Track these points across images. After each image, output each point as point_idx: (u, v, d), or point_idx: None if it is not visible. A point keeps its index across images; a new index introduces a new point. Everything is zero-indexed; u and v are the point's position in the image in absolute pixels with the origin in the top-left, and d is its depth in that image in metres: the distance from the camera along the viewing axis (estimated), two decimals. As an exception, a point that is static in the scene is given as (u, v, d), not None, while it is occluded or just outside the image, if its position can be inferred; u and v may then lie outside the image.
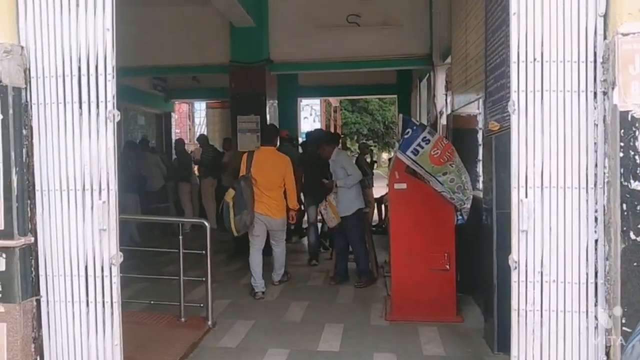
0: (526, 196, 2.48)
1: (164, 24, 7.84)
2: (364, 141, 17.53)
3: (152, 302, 4.92)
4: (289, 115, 11.09)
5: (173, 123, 13.08)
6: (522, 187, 2.48)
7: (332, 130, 21.20)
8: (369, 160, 10.46)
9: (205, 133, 14.19)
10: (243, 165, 5.55)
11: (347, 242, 6.08)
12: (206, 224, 4.65)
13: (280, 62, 7.82)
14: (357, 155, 10.82)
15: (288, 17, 7.74)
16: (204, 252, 4.57)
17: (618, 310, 2.29)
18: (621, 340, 2.26)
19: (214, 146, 10.31)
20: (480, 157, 5.50)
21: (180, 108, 15.82)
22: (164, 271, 5.87)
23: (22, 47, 2.62)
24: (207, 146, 9.90)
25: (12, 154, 2.56)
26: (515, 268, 2.49)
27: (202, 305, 4.68)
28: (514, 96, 2.53)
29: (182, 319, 4.62)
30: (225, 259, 7.42)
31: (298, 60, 7.95)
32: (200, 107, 16.73)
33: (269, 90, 7.85)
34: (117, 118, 2.59)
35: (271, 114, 7.94)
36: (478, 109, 5.48)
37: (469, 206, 4.63)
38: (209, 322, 4.54)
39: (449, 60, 6.48)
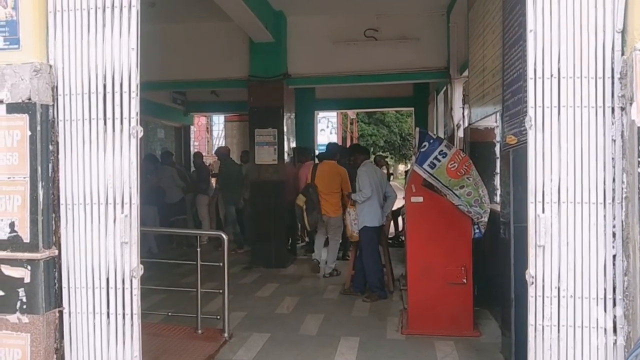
0: (543, 211, 2.47)
1: (185, 40, 8.01)
2: (380, 153, 17.50)
3: (169, 313, 4.98)
4: (306, 128, 11.17)
5: (192, 136, 13.25)
6: (539, 202, 2.48)
7: (348, 142, 21.26)
8: (385, 172, 10.46)
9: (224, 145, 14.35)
10: (309, 175, 7.09)
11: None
12: (224, 236, 4.71)
13: (298, 76, 7.90)
14: None
15: (306, 32, 7.83)
16: (220, 264, 4.63)
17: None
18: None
19: (232, 159, 10.43)
20: (497, 170, 5.48)
21: (199, 121, 16.04)
22: (181, 283, 5.94)
23: (51, 66, 2.72)
24: (226, 159, 10.01)
25: (39, 168, 2.65)
26: (532, 283, 2.48)
27: (218, 317, 4.72)
28: (530, 112, 2.54)
29: (199, 331, 4.67)
30: (241, 271, 7.47)
31: (315, 74, 8.01)
32: (219, 120, 16.94)
33: (287, 104, 7.93)
34: (140, 134, 2.67)
35: (288, 127, 8.02)
36: (495, 122, 5.49)
37: (486, 219, 4.62)
38: (225, 334, 4.58)
39: (466, 73, 6.48)
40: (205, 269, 4.85)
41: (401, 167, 23.17)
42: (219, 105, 12.52)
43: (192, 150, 12.57)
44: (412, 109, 12.68)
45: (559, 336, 2.45)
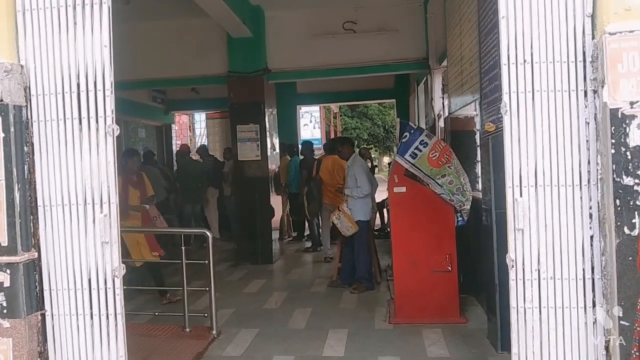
0: (521, 195, 2.51)
1: (161, 37, 7.90)
2: (364, 146, 17.53)
3: (156, 313, 4.96)
4: (289, 123, 11.15)
5: (174, 134, 13.14)
6: (516, 186, 2.52)
7: (332, 136, 21.26)
8: (369, 165, 10.52)
9: (206, 143, 14.26)
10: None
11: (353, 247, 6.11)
12: (208, 233, 4.69)
13: (278, 70, 7.87)
14: None
15: (284, 26, 7.79)
16: (206, 262, 4.61)
17: (617, 310, 2.32)
18: (620, 340, 2.29)
19: (213, 156, 10.41)
20: (478, 158, 5.53)
21: (180, 119, 15.90)
22: (167, 283, 5.90)
23: (22, 66, 2.67)
24: (207, 156, 9.98)
25: (14, 170, 2.60)
26: (513, 266, 2.51)
27: (206, 315, 4.71)
28: (505, 97, 2.57)
29: (187, 329, 4.65)
30: (227, 268, 7.45)
31: (296, 69, 7.99)
32: (200, 118, 16.80)
33: (268, 99, 7.90)
34: (117, 132, 2.63)
35: (270, 123, 7.99)
36: (475, 110, 5.53)
37: (468, 207, 4.66)
38: (214, 332, 4.57)
39: (445, 63, 6.52)
40: (192, 268, 4.83)
41: (385, 159, 23.27)
42: (200, 102, 12.40)
43: (175, 149, 12.46)
44: (394, 100, 12.73)
45: (540, 317, 2.49)
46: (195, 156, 10.66)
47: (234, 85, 7.70)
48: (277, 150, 8.60)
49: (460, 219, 4.71)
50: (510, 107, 2.55)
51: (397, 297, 4.81)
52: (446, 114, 6.40)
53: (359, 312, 5.17)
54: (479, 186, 5.37)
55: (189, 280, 4.75)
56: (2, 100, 2.59)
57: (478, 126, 5.56)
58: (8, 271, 2.61)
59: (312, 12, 7.71)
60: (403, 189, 4.77)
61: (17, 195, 2.61)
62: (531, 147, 2.52)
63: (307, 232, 9.44)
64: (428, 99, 7.79)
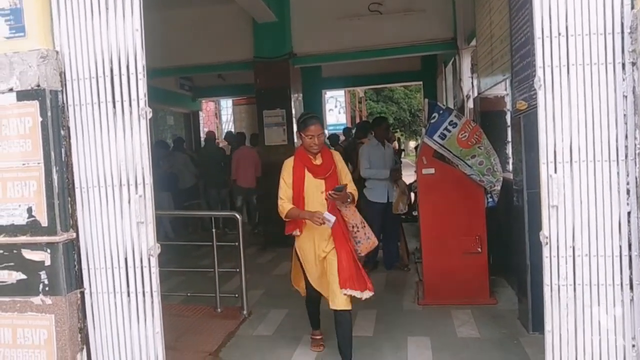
0: (555, 171, 2.46)
1: (187, 25, 7.96)
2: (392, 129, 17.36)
3: (189, 294, 5.07)
4: (314, 108, 11.12)
5: (201, 121, 13.29)
6: (550, 162, 2.46)
7: (357, 121, 21.14)
8: (396, 148, 10.44)
9: (233, 130, 14.38)
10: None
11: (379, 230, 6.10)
12: (238, 216, 4.75)
13: (304, 55, 7.85)
14: None
15: (309, 9, 7.73)
16: (236, 244, 4.68)
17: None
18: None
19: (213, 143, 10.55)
20: (509, 138, 5.44)
21: (207, 106, 16.05)
22: (198, 265, 6.02)
23: (57, 52, 2.72)
24: (234, 143, 10.08)
25: (52, 154, 2.68)
26: (547, 243, 2.47)
27: (236, 295, 4.80)
28: (539, 72, 2.51)
29: (218, 310, 4.76)
30: (256, 251, 7.55)
31: (321, 52, 7.94)
32: (227, 104, 16.93)
33: (294, 84, 7.90)
34: (150, 115, 2.68)
35: (296, 108, 8.00)
36: (505, 90, 5.43)
37: (499, 188, 4.60)
38: (244, 312, 4.66)
39: (473, 43, 6.39)
40: (221, 251, 4.91)
41: (412, 144, 23.03)
42: (226, 89, 12.51)
43: (202, 135, 12.61)
44: (421, 82, 12.56)
45: (575, 295, 2.45)
46: (223, 143, 10.79)
47: (260, 70, 7.73)
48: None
49: (490, 200, 4.65)
50: (545, 81, 2.48)
51: (426, 279, 4.80)
52: (475, 94, 6.29)
53: (387, 294, 5.19)
54: (509, 167, 5.30)
55: (219, 263, 4.83)
56: (39, 86, 2.66)
57: (508, 106, 5.46)
58: (48, 250, 2.69)
59: (337, -6, 7.64)
60: (432, 171, 4.73)
61: (55, 177, 2.69)
62: (566, 122, 2.45)
63: None
64: (456, 79, 7.66)
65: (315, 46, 7.83)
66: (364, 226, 3.64)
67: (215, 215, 5.51)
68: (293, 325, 4.42)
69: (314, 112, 3.61)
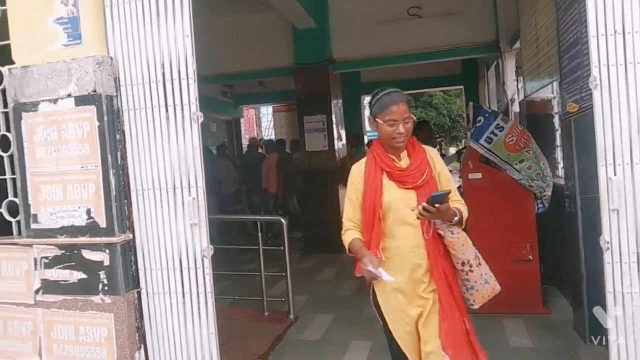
0: (615, 174, 2.37)
1: (228, 33, 8.10)
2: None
3: (236, 298, 5.13)
4: (353, 114, 11.13)
5: (242, 128, 13.53)
6: (610, 165, 2.38)
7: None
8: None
9: (273, 136, 14.55)
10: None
11: None
12: (283, 221, 4.79)
13: (343, 60, 7.86)
14: None
15: (348, 15, 7.75)
16: (282, 248, 4.72)
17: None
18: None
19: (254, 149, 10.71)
20: (557, 142, 5.29)
21: (248, 113, 16.31)
22: (244, 269, 6.09)
23: (112, 58, 2.83)
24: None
25: (109, 157, 2.77)
26: (608, 249, 2.38)
27: (283, 299, 4.83)
28: (595, 71, 2.43)
29: (266, 314, 4.80)
30: (298, 257, 7.58)
31: (360, 58, 7.93)
32: (268, 111, 17.16)
33: (333, 90, 7.92)
34: (201, 119, 2.74)
35: (336, 113, 8.03)
36: (552, 93, 5.29)
37: (549, 194, 4.45)
38: (291, 316, 4.68)
39: (517, 45, 6.27)
40: (265, 256, 4.94)
41: (452, 150, 22.65)
42: (266, 96, 12.68)
43: (244, 142, 12.83)
44: (462, 87, 12.38)
45: (640, 302, 2.35)
46: (261, 149, 10.96)
47: (300, 76, 7.78)
48: (344, 141, 8.62)
49: (540, 206, 4.50)
50: (601, 81, 2.41)
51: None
52: (521, 97, 6.15)
53: (435, 302, 5.09)
54: (559, 172, 5.14)
55: (265, 267, 4.88)
56: (95, 91, 2.77)
57: (556, 109, 5.32)
58: (107, 251, 2.79)
59: (376, 0, 7.63)
60: (479, 176, 4.63)
61: (112, 180, 2.78)
62: (625, 122, 2.37)
63: None
64: (500, 83, 7.51)
65: (354, 52, 7.83)
66: (480, 264, 2.50)
67: (260, 219, 5.57)
68: (340, 330, 4.41)
69: (393, 88, 2.38)
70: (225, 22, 8.06)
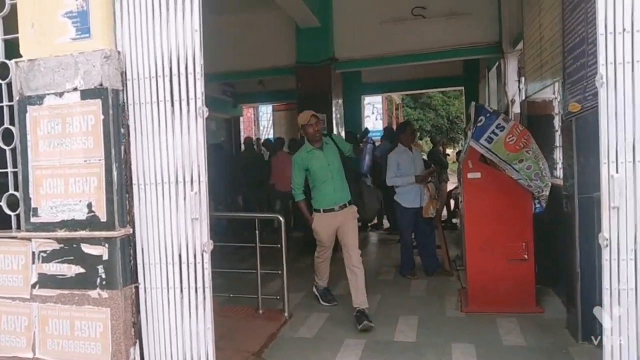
0: (617, 172, 2.38)
1: (231, 31, 8.11)
2: (434, 134, 17.15)
3: (231, 295, 5.12)
4: (354, 113, 11.14)
5: (242, 127, 13.53)
6: (612, 162, 2.39)
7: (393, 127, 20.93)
8: (441, 151, 10.37)
9: (271, 135, 14.55)
10: None
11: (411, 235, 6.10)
12: (280, 218, 4.79)
13: (346, 59, 7.88)
14: (431, 148, 10.77)
15: (352, 14, 7.77)
16: (279, 245, 4.72)
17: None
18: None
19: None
20: (557, 143, 5.31)
21: (247, 112, 16.33)
22: (239, 267, 6.07)
23: (119, 52, 2.83)
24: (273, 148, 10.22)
25: (112, 151, 2.78)
26: (607, 246, 2.40)
27: (278, 297, 4.82)
28: (601, 69, 2.43)
29: (260, 311, 4.79)
30: (294, 255, 7.57)
31: (363, 57, 7.96)
32: (267, 110, 17.17)
33: (335, 89, 7.93)
34: (206, 114, 2.74)
35: (337, 113, 8.03)
36: (554, 93, 5.30)
37: (547, 193, 4.48)
38: (286, 314, 4.68)
39: (519, 46, 6.28)
40: (262, 253, 4.91)
41: (449, 151, 22.65)
42: (266, 95, 12.68)
43: (242, 141, 12.84)
44: (462, 88, 12.41)
45: (636, 299, 2.37)
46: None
47: (302, 75, 7.79)
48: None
49: (537, 205, 4.52)
50: (607, 79, 2.41)
51: (470, 285, 4.72)
52: (522, 98, 6.17)
53: (429, 300, 5.12)
54: (557, 172, 5.16)
55: (261, 265, 4.87)
56: (102, 85, 2.77)
57: (557, 110, 5.34)
58: (106, 245, 2.79)
59: (380, -1, 7.65)
60: (478, 175, 4.65)
61: (114, 174, 2.78)
62: (629, 120, 2.38)
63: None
64: (500, 84, 7.54)
65: (357, 51, 7.86)
66: None
67: (258, 217, 5.56)
68: (334, 329, 4.42)
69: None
70: (229, 21, 8.07)
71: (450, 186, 9.26)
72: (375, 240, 8.89)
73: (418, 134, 25.88)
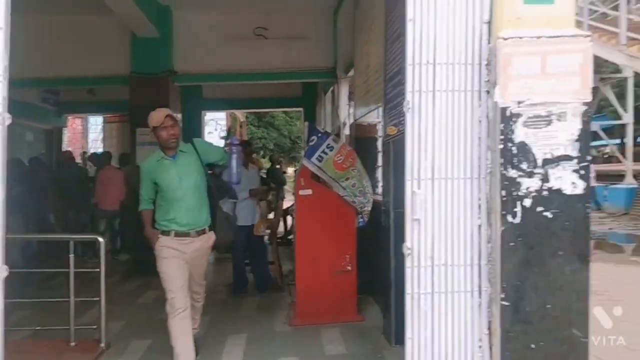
0: (419, 187, 2.61)
1: (57, 34, 7.35)
2: (275, 152, 17.46)
3: (37, 328, 4.47)
4: (194, 129, 10.78)
5: (65, 139, 12.22)
6: (415, 179, 2.63)
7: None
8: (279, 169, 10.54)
9: (102, 148, 13.46)
10: None
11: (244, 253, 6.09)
12: (100, 239, 4.35)
13: (185, 73, 7.61)
14: (270, 167, 10.87)
15: (193, 28, 7.56)
16: (97, 270, 4.26)
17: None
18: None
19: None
20: (379, 163, 5.73)
21: (73, 123, 14.86)
22: (52, 295, 5.35)
23: None
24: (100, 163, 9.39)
25: None
26: (409, 254, 2.61)
27: (95, 327, 4.33)
28: (408, 96, 2.68)
29: (72, 343, 4.24)
30: (120, 279, 7.01)
31: (204, 72, 7.79)
32: (97, 121, 15.78)
33: (172, 102, 7.56)
34: (9, 121, 2.34)
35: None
36: (378, 117, 5.74)
37: (369, 209, 4.80)
38: (102, 344, 4.21)
39: (351, 72, 6.70)
40: (80, 281, 4.38)
41: (290, 170, 23.26)
42: (97, 105, 11.67)
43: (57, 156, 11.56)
44: (301, 109, 12.85)
45: (432, 303, 2.61)
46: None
47: (136, 86, 7.28)
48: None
49: (361, 220, 4.83)
50: (413, 105, 2.66)
51: (298, 299, 4.81)
52: (351, 120, 6.56)
53: (259, 317, 5.10)
54: (378, 190, 5.57)
55: (78, 293, 4.34)
56: None
57: (380, 132, 5.78)
58: None
59: (223, 16, 7.58)
60: (309, 192, 4.80)
61: None
62: (430, 142, 2.64)
63: None
64: (334, 107, 7.96)
65: (197, 65, 7.65)
66: None
67: (73, 238, 4.92)
68: (156, 356, 4.09)
69: None
70: (51, 22, 7.27)
71: (287, 203, 9.44)
72: (211, 260, 8.61)
73: (261, 152, 26.34)
